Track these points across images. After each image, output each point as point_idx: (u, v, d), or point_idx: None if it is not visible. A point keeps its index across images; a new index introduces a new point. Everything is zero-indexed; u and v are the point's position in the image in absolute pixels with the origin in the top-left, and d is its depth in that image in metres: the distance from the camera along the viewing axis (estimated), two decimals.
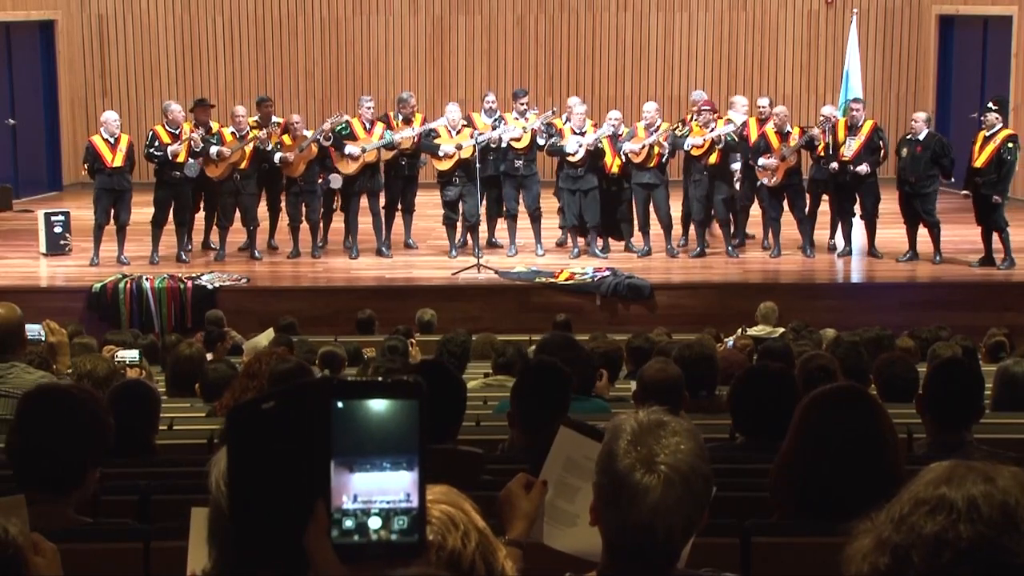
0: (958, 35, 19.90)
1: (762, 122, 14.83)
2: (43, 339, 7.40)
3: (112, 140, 14.42)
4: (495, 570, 2.25)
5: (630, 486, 2.42)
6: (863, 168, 14.29)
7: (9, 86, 19.18)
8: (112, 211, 14.39)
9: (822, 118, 14.92)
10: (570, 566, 2.64)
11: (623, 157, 14.52)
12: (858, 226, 14.93)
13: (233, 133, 14.60)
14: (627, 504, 2.43)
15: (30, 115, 19.55)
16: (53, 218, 15.26)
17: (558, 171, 15.25)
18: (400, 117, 14.97)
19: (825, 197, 14.81)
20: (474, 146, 14.45)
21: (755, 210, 15.27)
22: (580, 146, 14.51)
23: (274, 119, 15.10)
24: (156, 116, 14.96)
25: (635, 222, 14.92)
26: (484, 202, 14.98)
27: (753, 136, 14.72)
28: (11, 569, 1.86)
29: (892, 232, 14.98)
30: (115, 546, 3.74)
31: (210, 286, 13.68)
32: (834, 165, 14.41)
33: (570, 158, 14.60)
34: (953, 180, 14.81)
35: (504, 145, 14.77)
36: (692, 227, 15.12)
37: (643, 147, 14.42)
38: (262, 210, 15.06)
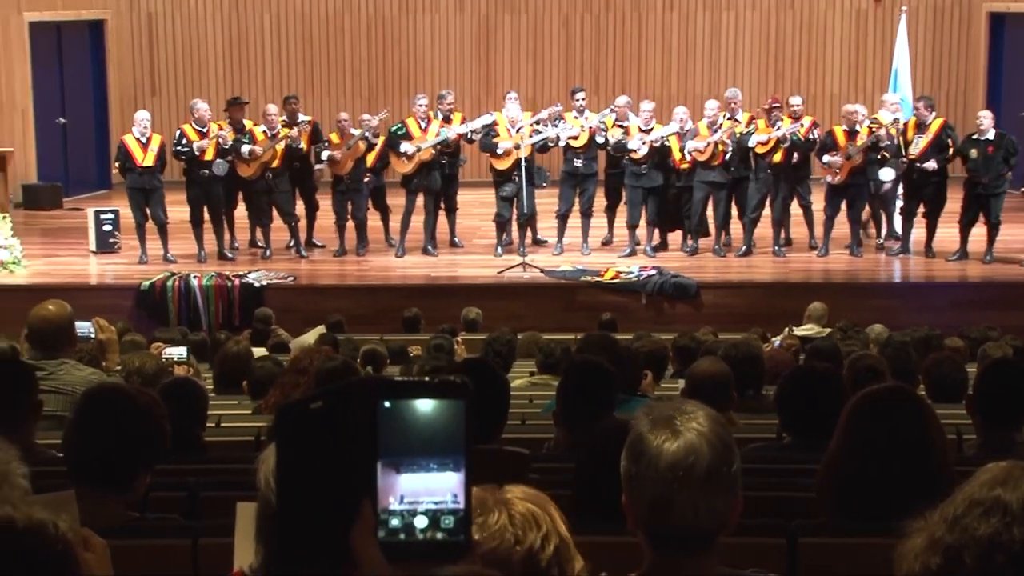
0: (1009, 33, 19.71)
1: (795, 121, 14.67)
2: (93, 336, 7.47)
3: (143, 139, 14.52)
4: None
5: (651, 449, 2.43)
6: (930, 164, 14.15)
7: (60, 85, 19.37)
8: (146, 209, 14.49)
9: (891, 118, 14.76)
10: (607, 565, 2.64)
11: (688, 155, 14.46)
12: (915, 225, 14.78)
13: (265, 132, 14.65)
14: (648, 466, 2.42)
15: (80, 114, 19.73)
16: (102, 216, 15.39)
17: (607, 169, 15.22)
18: (440, 115, 14.97)
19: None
20: (531, 145, 14.44)
21: (795, 208, 15.15)
22: (643, 144, 14.46)
23: (301, 117, 15.15)
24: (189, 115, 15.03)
25: (696, 220, 14.83)
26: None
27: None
28: (61, 564, 1.88)
29: (941, 231, 14.83)
30: (164, 542, 3.76)
31: (257, 284, 13.74)
32: (903, 161, 14.29)
33: (633, 155, 14.56)
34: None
35: (562, 144, 14.75)
36: (738, 225, 15.03)
37: (707, 145, 14.35)
38: (298, 208, 15.09)
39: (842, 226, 14.76)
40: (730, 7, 20.22)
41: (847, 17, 20.25)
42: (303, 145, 14.67)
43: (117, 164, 14.79)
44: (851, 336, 10.65)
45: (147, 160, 14.40)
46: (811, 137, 14.42)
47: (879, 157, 14.46)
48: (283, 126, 14.75)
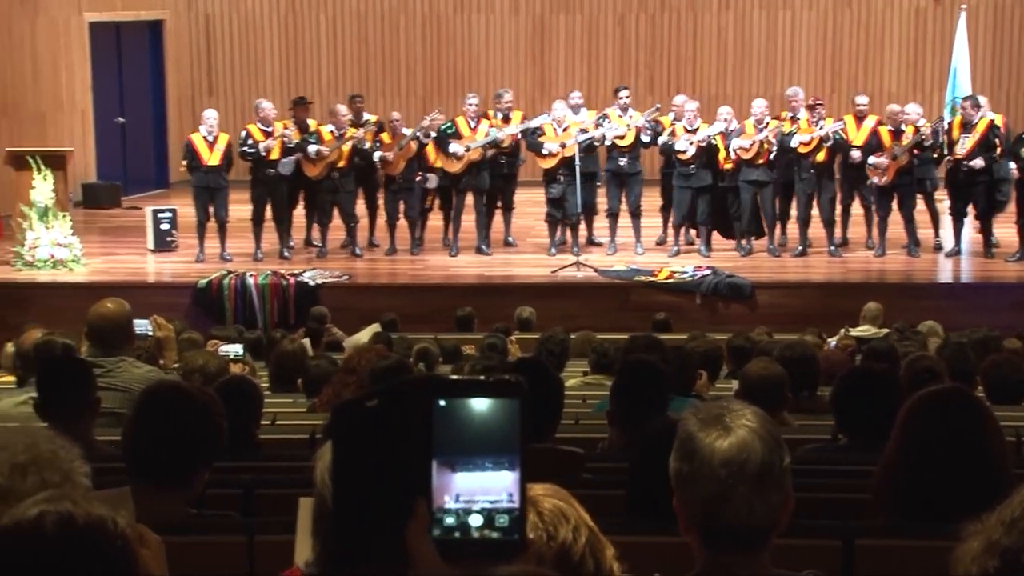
0: None
1: (860, 119, 14.61)
2: (151, 334, 7.53)
3: (211, 138, 14.63)
4: (603, 567, 2.26)
5: (703, 447, 2.43)
6: (977, 162, 14.01)
7: (119, 85, 19.58)
8: (210, 208, 14.61)
9: (937, 118, 14.69)
10: (660, 566, 2.63)
11: (733, 154, 14.42)
12: (968, 226, 14.64)
13: (332, 131, 14.71)
14: (701, 464, 2.42)
15: (138, 114, 19.93)
16: (160, 215, 15.52)
17: (662, 168, 15.21)
18: (499, 115, 14.99)
19: (938, 196, 14.59)
20: (577, 144, 14.43)
21: (856, 209, 15.05)
22: (691, 144, 14.43)
23: (366, 116, 15.19)
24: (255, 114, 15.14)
25: (746, 220, 14.78)
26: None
27: (852, 134, 14.49)
28: (120, 560, 1.90)
29: (999, 231, 14.68)
30: (220, 539, 3.79)
31: (312, 283, 13.81)
32: (949, 159, 14.17)
33: (680, 156, 14.53)
34: None
35: (608, 143, 14.73)
36: (794, 225, 14.96)
37: (752, 144, 14.30)
38: (360, 208, 15.17)
39: (898, 226, 14.64)
40: (787, 6, 20.11)
41: (905, 15, 20.08)
42: (368, 145, 14.72)
43: (184, 162, 14.91)
44: (908, 337, 10.57)
45: (213, 159, 14.51)
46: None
47: (934, 156, 14.34)
48: (348, 126, 14.82)
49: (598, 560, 2.27)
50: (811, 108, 14.51)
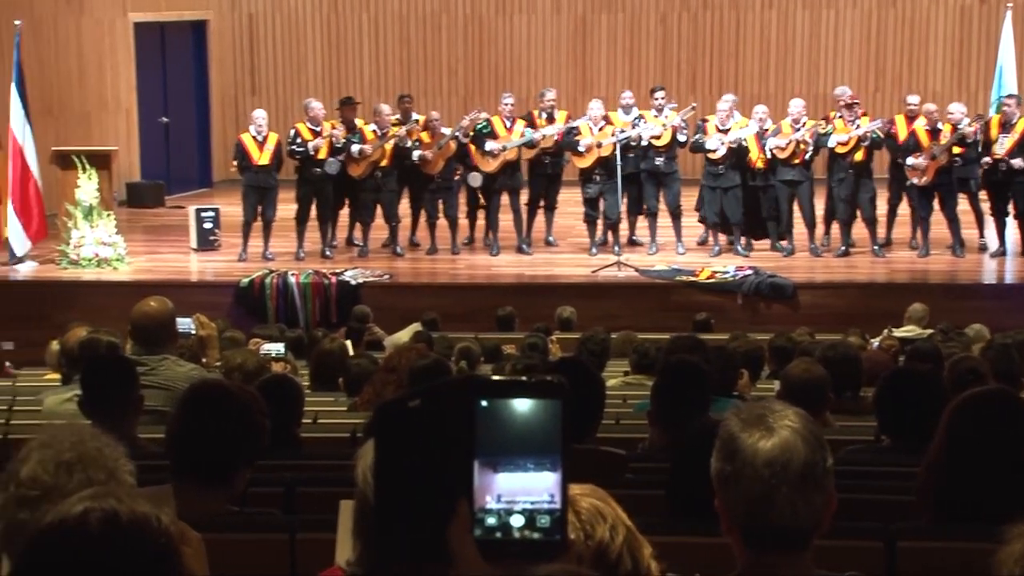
0: None
1: (911, 119, 14.53)
2: (193, 333, 7.58)
3: (260, 138, 14.71)
4: (641, 566, 2.26)
5: (746, 448, 2.43)
6: (1017, 161, 13.90)
7: (163, 85, 19.71)
8: (259, 208, 14.69)
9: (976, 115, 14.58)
10: (700, 566, 2.63)
11: (769, 153, 14.36)
12: (1012, 225, 14.53)
13: (375, 131, 14.75)
14: (744, 464, 2.42)
15: (182, 113, 20.06)
16: (203, 214, 15.61)
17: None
18: (544, 115, 14.99)
19: (982, 196, 14.48)
20: (614, 144, 14.41)
21: (903, 209, 14.96)
22: (722, 143, 14.39)
23: (414, 116, 15.22)
24: (303, 114, 15.20)
25: (785, 220, 14.72)
26: (625, 200, 14.93)
27: (902, 134, 14.43)
28: (163, 557, 1.91)
29: None
30: (262, 537, 3.81)
31: (353, 282, 13.85)
32: (987, 160, 14.06)
33: (711, 155, 14.50)
34: None
35: (644, 143, 14.70)
36: (836, 226, 14.88)
37: (789, 143, 14.25)
38: (403, 207, 15.20)
39: (942, 226, 14.54)
40: (830, 4, 20.01)
41: (950, 14, 19.93)
42: (411, 144, 14.73)
43: (235, 162, 14.99)
44: (952, 338, 10.49)
45: (263, 158, 14.58)
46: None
47: (979, 151, 14.22)
48: (394, 125, 14.85)
49: (635, 559, 2.27)
50: (848, 107, 14.44)
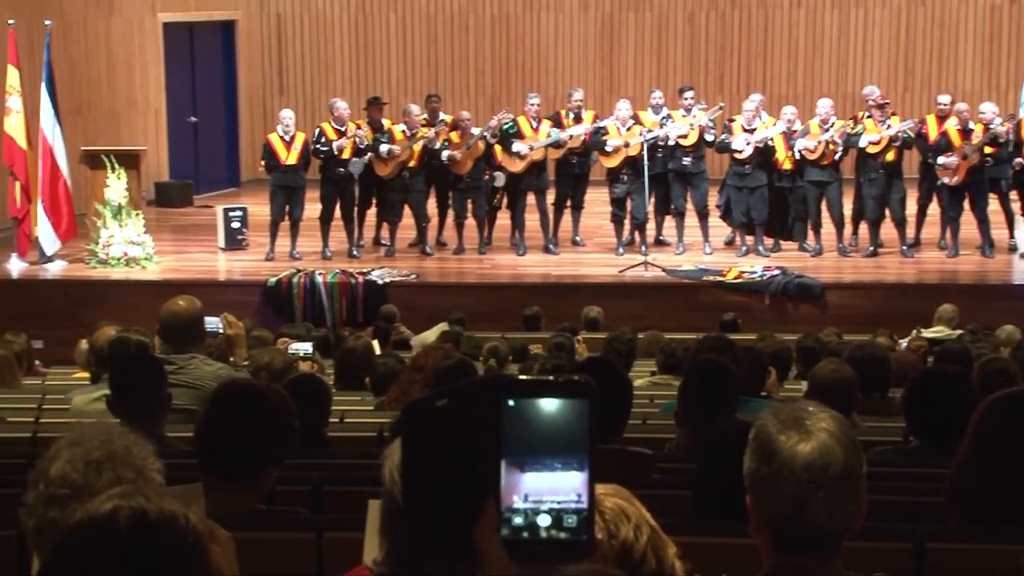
0: None
1: (942, 119, 14.46)
2: (221, 332, 7.60)
3: (287, 138, 14.74)
4: (665, 566, 2.26)
5: (784, 450, 2.42)
6: None
7: (192, 85, 19.79)
8: (287, 207, 14.72)
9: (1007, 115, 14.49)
10: (726, 566, 2.62)
11: (797, 154, 14.31)
12: None
13: (404, 131, 14.76)
14: (781, 467, 2.41)
15: (210, 113, 20.13)
16: (231, 213, 15.66)
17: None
18: (571, 115, 14.98)
19: (1013, 196, 14.40)
20: (642, 143, 14.39)
21: (933, 209, 14.89)
22: (748, 143, 14.35)
23: (441, 116, 15.23)
24: (328, 114, 15.23)
25: (814, 219, 14.67)
26: (652, 200, 14.90)
27: (933, 134, 14.35)
28: (192, 556, 1.92)
29: None
30: (289, 536, 3.82)
31: (380, 281, 13.87)
32: (1019, 160, 13.98)
33: (737, 155, 14.46)
34: None
35: (672, 143, 14.67)
36: (864, 226, 14.81)
37: (818, 144, 14.20)
38: (431, 207, 15.21)
39: (972, 226, 14.46)
40: (859, 4, 19.93)
41: (980, 13, 19.82)
42: (439, 144, 14.74)
43: (263, 162, 15.03)
44: (981, 339, 10.44)
45: (291, 158, 14.61)
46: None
47: (1010, 151, 14.14)
48: (423, 126, 14.86)
49: (660, 558, 2.27)
50: (879, 107, 14.37)
